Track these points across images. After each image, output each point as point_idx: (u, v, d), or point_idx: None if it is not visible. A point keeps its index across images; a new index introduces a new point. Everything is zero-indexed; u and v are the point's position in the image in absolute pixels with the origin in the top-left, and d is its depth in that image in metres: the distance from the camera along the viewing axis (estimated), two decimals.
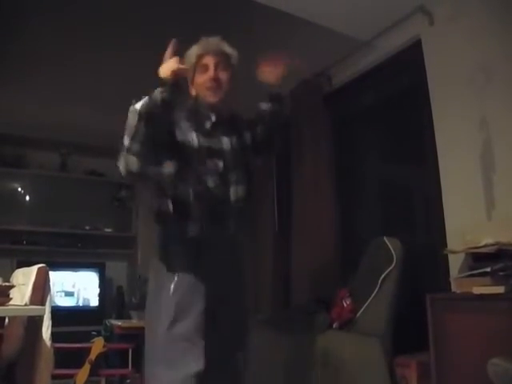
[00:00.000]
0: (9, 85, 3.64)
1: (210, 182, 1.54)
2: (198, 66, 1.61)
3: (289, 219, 3.49)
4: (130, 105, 1.45)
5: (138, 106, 1.41)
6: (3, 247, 4.39)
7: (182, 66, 1.43)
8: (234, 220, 1.59)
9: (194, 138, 1.56)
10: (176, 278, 1.48)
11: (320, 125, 3.31)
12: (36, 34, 2.96)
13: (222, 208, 1.57)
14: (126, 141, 1.41)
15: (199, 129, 1.59)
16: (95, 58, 3.26)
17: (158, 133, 1.44)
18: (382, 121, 3.17)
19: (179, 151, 1.53)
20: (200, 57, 1.61)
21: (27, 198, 4.76)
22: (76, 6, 2.69)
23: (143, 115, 1.39)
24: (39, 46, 3.10)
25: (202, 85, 1.60)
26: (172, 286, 1.47)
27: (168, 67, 1.41)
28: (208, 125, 1.61)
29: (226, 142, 1.62)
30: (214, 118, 1.62)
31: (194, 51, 1.62)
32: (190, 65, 1.60)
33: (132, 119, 1.41)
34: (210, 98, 1.60)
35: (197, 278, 1.48)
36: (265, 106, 1.76)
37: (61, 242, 4.70)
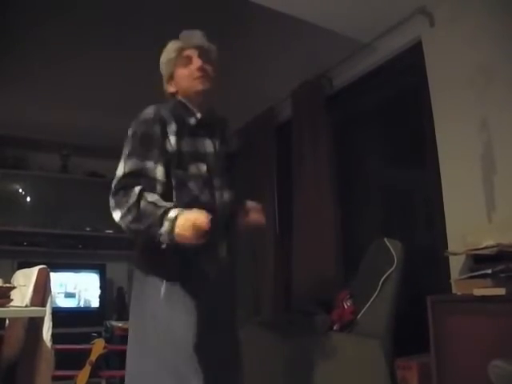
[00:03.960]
0: (9, 86, 3.64)
1: (194, 188, 1.45)
2: (180, 58, 1.55)
3: (289, 221, 3.49)
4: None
5: (135, 224, 1.33)
6: (4, 248, 4.39)
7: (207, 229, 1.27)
8: (222, 229, 1.50)
9: (173, 142, 1.45)
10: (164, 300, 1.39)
11: (321, 126, 3.31)
12: (37, 36, 2.97)
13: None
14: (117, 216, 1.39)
15: (182, 129, 1.48)
16: (96, 59, 3.26)
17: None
18: (383, 122, 3.17)
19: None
20: (181, 50, 1.56)
21: (28, 199, 4.76)
22: (77, 7, 2.70)
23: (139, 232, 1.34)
24: (40, 47, 3.11)
25: (188, 76, 1.53)
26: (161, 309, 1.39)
27: (202, 222, 1.26)
28: (193, 121, 1.52)
29: (209, 144, 1.53)
30: (199, 115, 1.53)
31: (173, 45, 1.57)
32: (170, 59, 1.56)
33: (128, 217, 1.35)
34: (198, 85, 1.52)
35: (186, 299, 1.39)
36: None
37: (61, 243, 4.70)
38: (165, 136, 1.44)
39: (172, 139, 1.45)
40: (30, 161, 4.80)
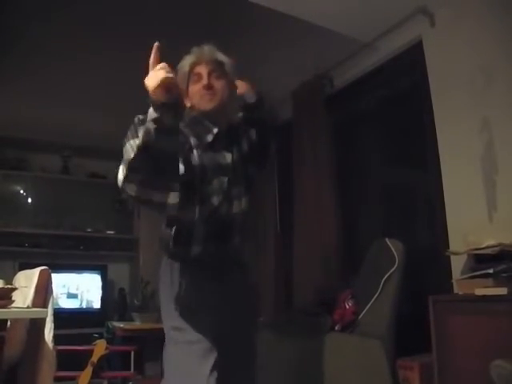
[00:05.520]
0: (10, 88, 3.65)
1: (215, 201, 1.46)
2: (192, 75, 1.55)
3: (290, 220, 3.49)
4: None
5: (135, 140, 1.20)
6: (5, 249, 4.40)
7: (171, 75, 1.23)
8: (237, 236, 1.54)
9: (196, 156, 1.44)
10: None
11: (321, 126, 3.31)
12: (37, 37, 2.98)
13: (225, 225, 1.51)
14: (122, 173, 1.23)
15: (200, 144, 1.48)
16: (97, 60, 3.27)
17: (166, 163, 1.27)
18: (384, 122, 3.17)
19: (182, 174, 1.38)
20: (193, 66, 1.55)
21: (29, 200, 4.77)
22: (76, 8, 2.70)
23: (142, 149, 1.19)
24: (40, 48, 3.11)
25: (196, 94, 1.53)
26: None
27: (155, 78, 1.21)
28: (210, 138, 1.51)
29: (228, 157, 1.54)
30: (215, 130, 1.52)
31: (187, 61, 1.56)
32: (184, 75, 1.55)
33: (129, 153, 1.21)
34: (205, 105, 1.52)
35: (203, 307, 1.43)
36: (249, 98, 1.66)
37: (63, 244, 4.71)
38: (190, 148, 1.45)
39: (195, 152, 1.45)
40: (31, 162, 4.82)
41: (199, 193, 1.44)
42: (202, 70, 1.54)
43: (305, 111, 3.44)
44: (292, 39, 3.04)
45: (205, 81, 1.52)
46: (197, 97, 1.53)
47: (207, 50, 1.57)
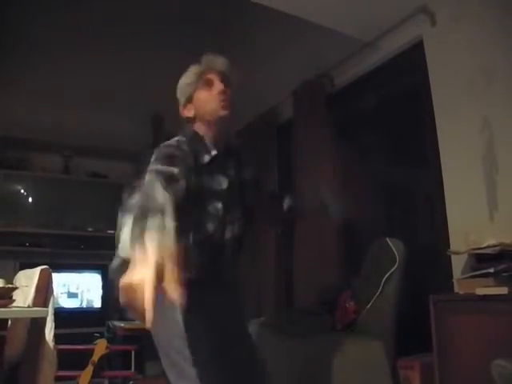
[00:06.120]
0: (10, 88, 3.65)
1: (210, 228, 1.42)
2: (201, 81, 1.50)
3: (291, 220, 3.49)
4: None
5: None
6: (6, 249, 4.41)
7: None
8: (229, 259, 1.51)
9: (192, 179, 1.35)
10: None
11: (322, 126, 3.31)
12: (37, 37, 2.97)
13: (216, 250, 1.46)
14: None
15: (196, 166, 1.40)
16: (98, 60, 3.27)
17: None
18: (384, 122, 3.16)
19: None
20: (202, 73, 1.51)
21: (30, 200, 4.77)
22: (77, 8, 2.70)
23: None
24: (40, 48, 3.11)
25: (210, 99, 1.47)
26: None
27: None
28: (206, 159, 1.45)
29: (224, 182, 1.47)
30: (213, 152, 1.46)
31: (195, 69, 1.53)
32: (190, 82, 1.51)
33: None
34: (221, 111, 1.46)
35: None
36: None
37: (63, 243, 4.72)
38: (188, 170, 1.37)
39: (191, 175, 1.36)
40: (32, 162, 4.82)
41: (195, 217, 1.39)
42: (214, 77, 1.50)
43: (305, 110, 3.43)
44: (293, 39, 3.04)
45: (220, 86, 1.48)
46: (211, 102, 1.48)
47: (219, 59, 1.54)
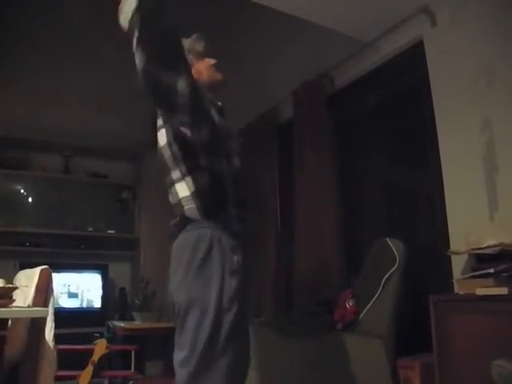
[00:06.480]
0: (10, 88, 3.65)
1: (237, 162, 1.47)
2: (194, 53, 1.62)
3: (291, 220, 3.49)
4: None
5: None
6: (6, 249, 4.41)
7: None
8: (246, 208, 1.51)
9: (216, 115, 1.48)
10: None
11: (322, 126, 3.31)
12: (37, 37, 2.97)
13: (242, 192, 1.47)
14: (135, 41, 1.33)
15: (215, 107, 1.53)
16: (97, 60, 3.27)
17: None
18: (385, 122, 3.17)
19: (210, 122, 1.40)
20: (193, 46, 1.64)
21: (30, 200, 4.78)
22: (76, 7, 2.70)
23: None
24: (40, 48, 3.11)
25: (208, 67, 1.62)
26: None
27: None
28: (219, 104, 1.59)
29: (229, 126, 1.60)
30: (219, 103, 1.60)
31: (188, 41, 1.64)
32: (188, 49, 1.58)
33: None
34: (221, 76, 1.62)
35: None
36: None
37: (63, 243, 4.71)
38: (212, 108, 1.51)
39: (216, 115, 1.49)
40: (32, 161, 4.82)
41: (224, 147, 1.45)
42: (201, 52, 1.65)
43: (306, 110, 3.44)
44: (293, 39, 3.04)
45: (214, 60, 1.63)
46: (210, 70, 1.62)
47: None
